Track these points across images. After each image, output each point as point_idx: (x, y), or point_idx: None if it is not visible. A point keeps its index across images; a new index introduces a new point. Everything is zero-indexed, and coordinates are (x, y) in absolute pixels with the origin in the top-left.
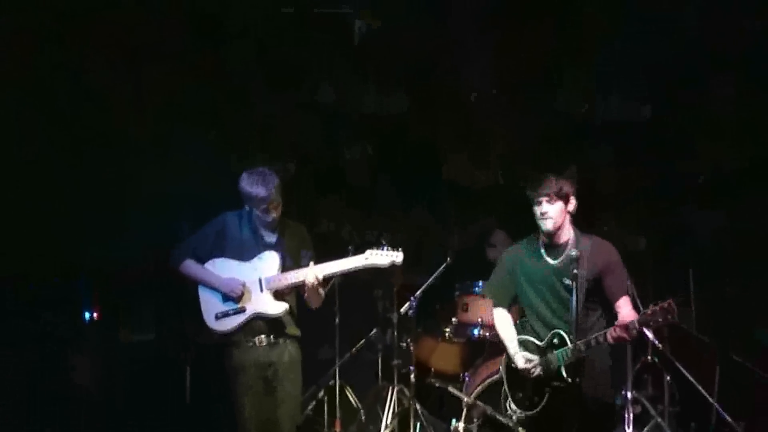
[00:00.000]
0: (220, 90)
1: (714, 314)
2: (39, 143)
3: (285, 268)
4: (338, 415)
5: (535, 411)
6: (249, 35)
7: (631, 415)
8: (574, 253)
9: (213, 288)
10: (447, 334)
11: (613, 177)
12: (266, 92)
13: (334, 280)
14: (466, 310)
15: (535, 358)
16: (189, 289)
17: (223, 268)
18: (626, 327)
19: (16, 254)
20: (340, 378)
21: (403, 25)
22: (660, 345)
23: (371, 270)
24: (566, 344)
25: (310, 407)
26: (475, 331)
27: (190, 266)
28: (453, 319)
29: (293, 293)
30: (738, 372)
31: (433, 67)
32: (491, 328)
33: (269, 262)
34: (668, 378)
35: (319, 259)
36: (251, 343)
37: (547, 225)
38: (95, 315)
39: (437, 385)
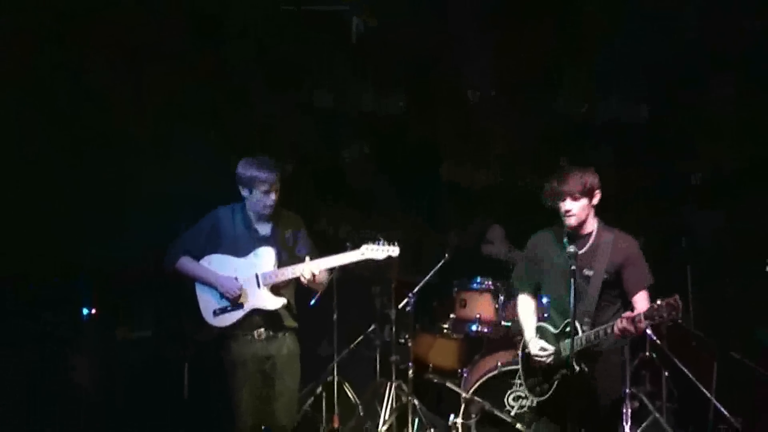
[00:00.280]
0: (220, 90)
1: (713, 314)
2: (39, 143)
3: (281, 261)
4: (336, 410)
5: (544, 397)
6: (249, 35)
7: (629, 411)
8: (572, 249)
9: (210, 285)
10: (445, 330)
11: (613, 177)
12: (266, 92)
13: (333, 276)
14: (464, 306)
15: (548, 345)
16: (186, 286)
17: (219, 265)
18: (632, 319)
19: (16, 254)
20: (338, 374)
21: (402, 24)
22: (658, 341)
23: (369, 266)
24: (577, 333)
25: (308, 403)
26: (473, 327)
27: (186, 264)
28: (451, 315)
29: (291, 285)
30: (736, 369)
31: (433, 67)
32: (489, 324)
33: (265, 257)
34: (666, 374)
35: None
36: (249, 337)
37: (571, 222)
38: (93, 311)
39: (435, 380)
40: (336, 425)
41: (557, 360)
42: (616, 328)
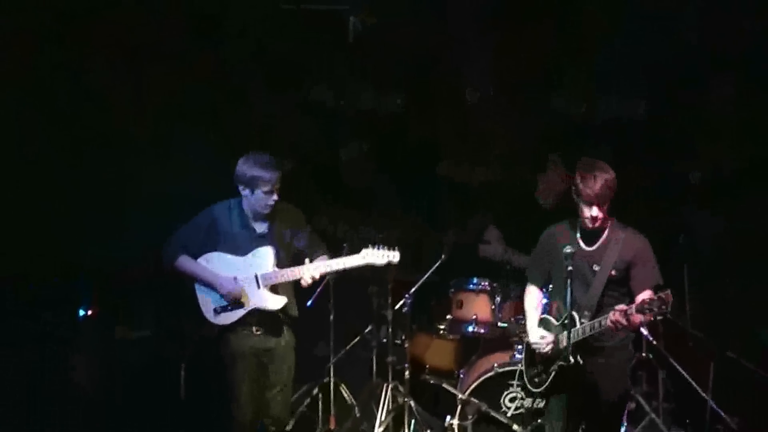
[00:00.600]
0: (220, 90)
1: (713, 314)
2: (39, 143)
3: (279, 259)
4: (333, 411)
5: (541, 389)
6: (248, 35)
7: (626, 411)
8: (568, 250)
9: (210, 285)
10: (441, 331)
11: None
12: (266, 92)
13: (329, 278)
14: (461, 307)
15: (546, 333)
16: (186, 285)
17: (218, 263)
18: (624, 312)
19: (16, 254)
20: (334, 375)
21: (402, 24)
22: (655, 341)
23: (366, 267)
24: (575, 326)
25: (304, 404)
26: (470, 328)
27: (185, 263)
28: (448, 316)
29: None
30: (733, 369)
31: (433, 66)
32: (485, 324)
33: (264, 258)
34: (663, 374)
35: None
36: (248, 330)
37: (591, 224)
38: (90, 312)
39: (432, 381)
40: (332, 426)
41: (556, 351)
42: (608, 321)
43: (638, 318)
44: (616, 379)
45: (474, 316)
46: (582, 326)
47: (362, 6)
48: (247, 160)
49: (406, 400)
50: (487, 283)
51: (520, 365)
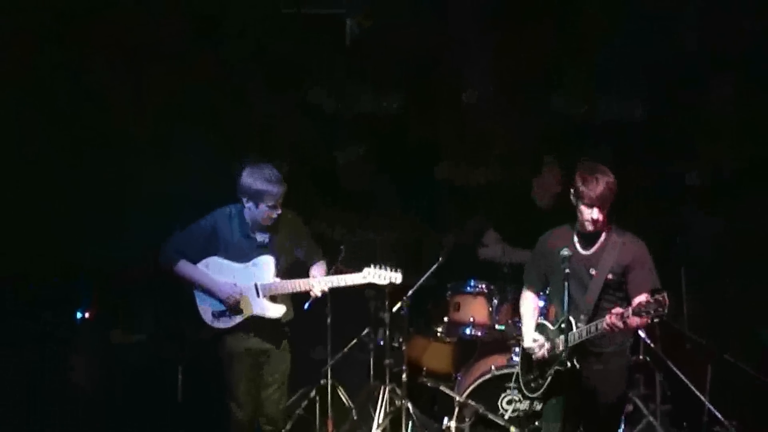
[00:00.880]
0: (220, 90)
1: (713, 314)
2: (39, 143)
3: (279, 269)
4: (330, 414)
5: (538, 394)
6: (248, 36)
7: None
8: (565, 253)
9: (209, 290)
10: (439, 334)
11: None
12: (265, 92)
13: None
14: (458, 310)
15: (540, 337)
16: (185, 288)
17: (218, 269)
18: (621, 315)
19: (16, 254)
20: (332, 377)
21: (401, 25)
22: (652, 344)
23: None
24: (572, 329)
25: (302, 406)
26: (467, 331)
27: (185, 267)
28: (445, 319)
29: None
30: (731, 371)
31: (432, 67)
32: (483, 327)
33: (264, 268)
34: (660, 377)
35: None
36: (244, 333)
37: (591, 227)
38: (87, 315)
39: (429, 384)
40: (330, 429)
41: (552, 356)
42: (605, 323)
43: (635, 321)
44: (614, 384)
45: (471, 319)
46: (579, 330)
47: (360, 8)
48: (252, 173)
49: (403, 402)
50: (484, 286)
51: (517, 368)
